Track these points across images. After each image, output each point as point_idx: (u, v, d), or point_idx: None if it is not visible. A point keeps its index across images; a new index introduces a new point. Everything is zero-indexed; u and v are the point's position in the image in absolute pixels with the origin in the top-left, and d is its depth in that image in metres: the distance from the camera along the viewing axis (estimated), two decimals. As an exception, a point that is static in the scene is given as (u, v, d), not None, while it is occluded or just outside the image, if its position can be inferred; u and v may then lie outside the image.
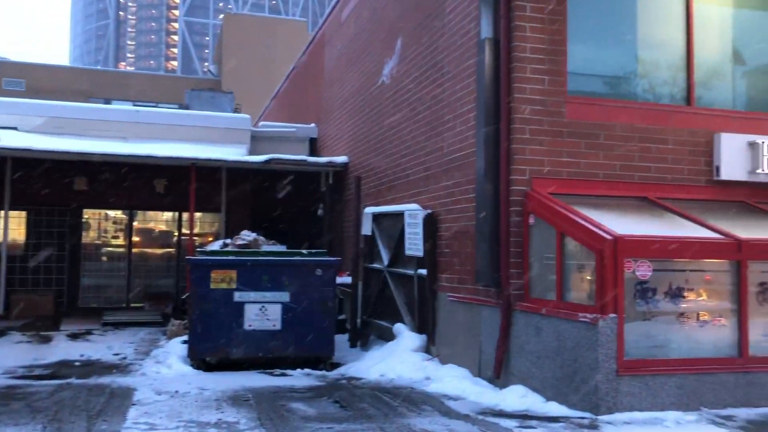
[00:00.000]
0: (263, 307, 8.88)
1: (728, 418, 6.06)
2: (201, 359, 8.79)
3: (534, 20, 7.56)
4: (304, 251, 9.61)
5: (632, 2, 8.24)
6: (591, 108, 7.75)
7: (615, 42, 8.28)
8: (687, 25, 8.20)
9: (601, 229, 6.42)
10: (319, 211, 14.97)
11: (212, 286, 8.77)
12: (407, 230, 9.43)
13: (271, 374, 8.51)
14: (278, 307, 8.92)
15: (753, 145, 7.98)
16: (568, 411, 6.21)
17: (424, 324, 9.11)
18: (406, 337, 9.06)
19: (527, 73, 7.54)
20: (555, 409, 6.30)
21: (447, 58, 9.00)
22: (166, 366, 8.64)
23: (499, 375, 7.40)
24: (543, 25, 7.58)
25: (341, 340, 10.44)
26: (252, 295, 8.87)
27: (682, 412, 6.15)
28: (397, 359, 8.50)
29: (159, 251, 16.15)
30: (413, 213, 9.31)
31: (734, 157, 7.99)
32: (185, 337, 9.36)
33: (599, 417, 5.93)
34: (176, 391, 7.18)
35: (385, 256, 10.37)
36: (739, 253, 6.67)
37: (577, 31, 7.81)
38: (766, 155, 7.95)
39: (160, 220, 16.48)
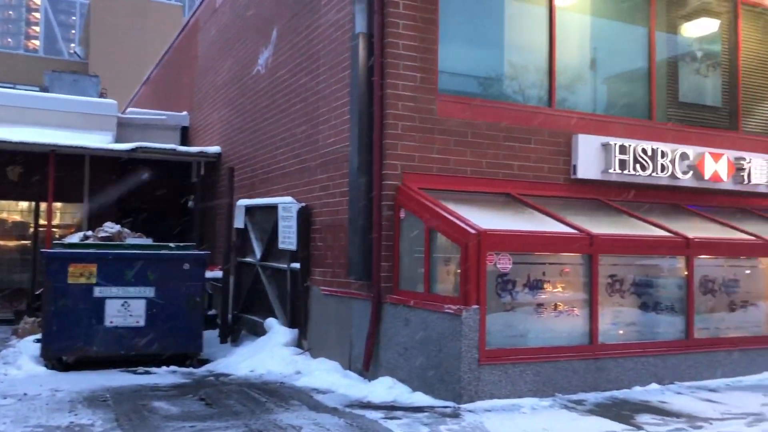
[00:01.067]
0: (126, 302, 8.46)
1: (579, 402, 6.46)
2: (57, 359, 8.25)
3: (407, 17, 7.67)
4: (171, 245, 9.24)
5: (500, 7, 8.57)
6: (460, 106, 7.98)
7: (485, 44, 8.58)
8: (550, 32, 8.63)
9: (466, 223, 6.63)
10: (190, 203, 14.48)
11: (70, 280, 8.25)
12: (281, 223, 9.31)
13: (134, 372, 8.13)
14: (142, 303, 8.53)
15: (606, 147, 8.54)
16: (432, 401, 6.38)
17: (297, 318, 9.04)
18: (278, 332, 8.95)
19: (400, 69, 7.64)
20: (420, 399, 6.45)
21: (323, 51, 8.95)
22: (16, 367, 8.03)
23: (368, 367, 7.47)
24: (416, 23, 7.71)
25: (211, 336, 10.15)
26: (114, 290, 8.43)
27: (539, 398, 6.49)
28: (268, 354, 8.39)
29: (13, 244, 14.95)
30: (287, 206, 9.20)
31: (589, 157, 8.51)
32: (39, 336, 8.73)
33: (462, 406, 6.13)
34: (25, 394, 6.68)
35: (258, 250, 10.19)
36: (591, 247, 7.12)
37: (449, 31, 8.02)
38: (618, 156, 8.52)
39: (15, 210, 15.27)
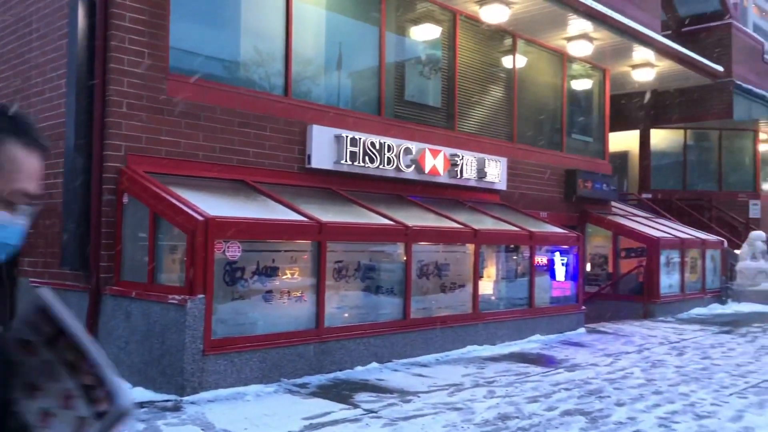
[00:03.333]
0: None
1: (303, 385, 6.65)
2: None
3: (135, -11, 7.17)
4: None
5: (238, -11, 8.43)
6: (193, 88, 7.69)
7: (222, 25, 8.38)
8: (287, 21, 8.69)
9: (193, 210, 6.42)
10: None
11: None
12: (-18, 206, 8.15)
13: None
14: None
15: (339, 139, 8.88)
16: (154, 395, 6.09)
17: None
18: (-23, 330, 7.85)
19: (126, 43, 7.12)
20: (141, 395, 6.11)
21: (36, 15, 8.01)
22: None
23: (84, 364, 6.89)
24: (145, -5, 7.24)
25: None
26: None
27: (264, 384, 6.55)
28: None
29: None
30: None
31: (323, 148, 8.79)
32: None
33: (184, 398, 5.94)
34: None
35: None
36: (320, 234, 7.35)
37: (183, 8, 7.68)
38: (349, 148, 8.92)
39: None
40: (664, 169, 20.91)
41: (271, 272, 7.01)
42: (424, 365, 7.86)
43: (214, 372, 6.25)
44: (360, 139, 9.04)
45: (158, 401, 5.92)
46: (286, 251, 7.33)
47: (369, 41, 9.92)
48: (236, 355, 6.45)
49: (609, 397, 6.46)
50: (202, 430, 5.10)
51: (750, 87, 19.05)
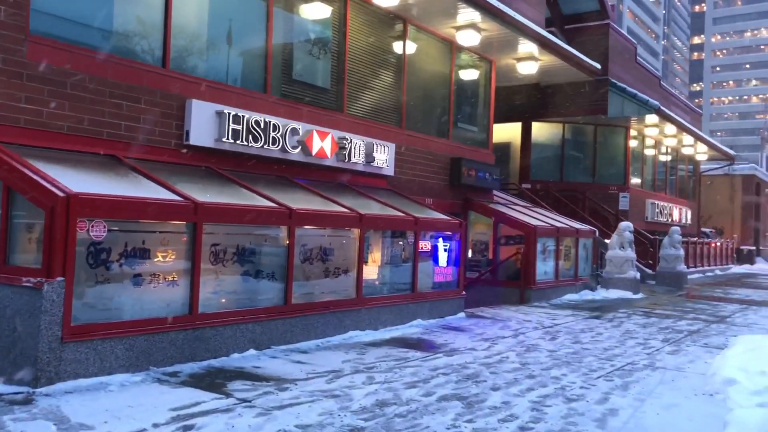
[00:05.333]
0: None
1: (174, 374, 6.29)
2: None
3: (-10, -63, 6.44)
4: None
5: (112, -51, 7.80)
6: (58, 53, 7.05)
7: (93, -13, 7.72)
8: (167, -12, 8.17)
9: (53, 184, 5.87)
10: None
11: None
12: None
13: None
14: None
15: (221, 115, 8.47)
16: (4, 388, 5.53)
17: None
18: None
19: (-22, -3, 6.39)
20: (-12, 386, 5.55)
21: None
22: None
23: None
24: (1, -54, 6.52)
25: None
26: None
27: (131, 373, 6.13)
28: None
29: None
30: None
31: (204, 124, 8.35)
32: None
33: (38, 390, 5.44)
34: None
35: None
36: (196, 215, 6.96)
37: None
38: (231, 126, 8.52)
39: None
40: (544, 161, 21.80)
41: (142, 254, 6.55)
42: (304, 352, 7.68)
43: (74, 361, 5.77)
44: (244, 116, 8.67)
45: (6, 394, 5.37)
46: (159, 232, 6.88)
47: (256, 16, 9.52)
48: (100, 342, 5.99)
49: (485, 381, 6.56)
50: (55, 425, 4.66)
51: (624, 86, 20.16)
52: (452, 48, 13.62)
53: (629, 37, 22.88)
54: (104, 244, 6.16)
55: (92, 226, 6.01)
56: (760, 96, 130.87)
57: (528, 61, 15.09)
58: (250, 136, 8.76)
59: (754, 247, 35.53)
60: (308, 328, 8.25)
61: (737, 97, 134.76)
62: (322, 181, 10.06)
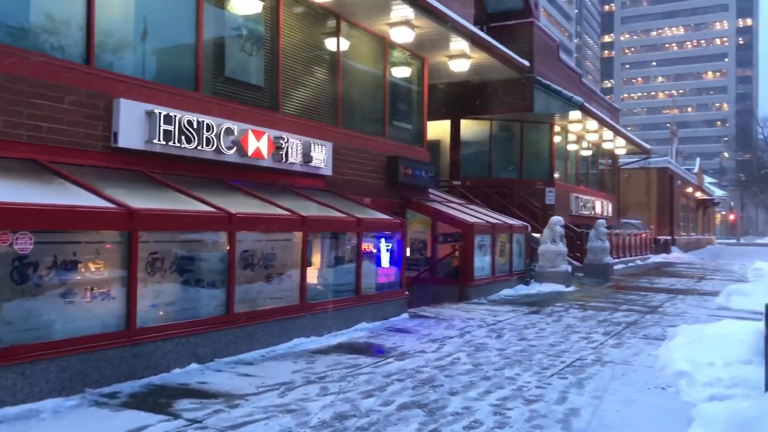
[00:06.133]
0: None
1: (112, 395, 5.82)
2: None
3: None
4: None
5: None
6: (-32, 48, 6.42)
7: (6, -22, 7.08)
8: (89, -21, 7.60)
9: (-30, 195, 5.31)
10: None
11: None
12: None
13: None
14: None
15: (151, 115, 7.97)
16: None
17: None
18: None
19: None
20: None
21: None
22: None
23: None
24: None
25: None
26: None
27: (64, 398, 5.63)
28: None
29: None
30: None
31: (133, 125, 7.83)
32: None
33: (-41, 423, 4.90)
34: None
35: None
36: (130, 223, 6.49)
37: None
38: (163, 126, 8.04)
39: None
40: (473, 158, 21.98)
41: (72, 267, 6.04)
42: (250, 363, 7.32)
43: (1, 387, 5.23)
44: (176, 116, 8.20)
45: (-77, 430, 4.82)
46: (90, 243, 6.37)
47: (185, 11, 9.03)
48: (28, 365, 5.46)
49: (442, 386, 6.41)
50: (-16, 464, 4.18)
51: (548, 83, 20.56)
52: (386, 45, 13.45)
53: (552, 35, 23.38)
54: (30, 258, 5.63)
55: (16, 239, 5.47)
56: (666, 92, 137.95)
57: (460, 58, 15.09)
58: (183, 137, 8.29)
59: (669, 237, 37.18)
60: (252, 337, 7.88)
61: (645, 93, 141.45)
62: (258, 182, 9.68)
